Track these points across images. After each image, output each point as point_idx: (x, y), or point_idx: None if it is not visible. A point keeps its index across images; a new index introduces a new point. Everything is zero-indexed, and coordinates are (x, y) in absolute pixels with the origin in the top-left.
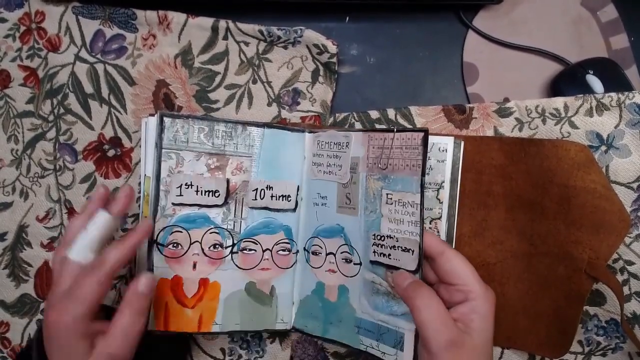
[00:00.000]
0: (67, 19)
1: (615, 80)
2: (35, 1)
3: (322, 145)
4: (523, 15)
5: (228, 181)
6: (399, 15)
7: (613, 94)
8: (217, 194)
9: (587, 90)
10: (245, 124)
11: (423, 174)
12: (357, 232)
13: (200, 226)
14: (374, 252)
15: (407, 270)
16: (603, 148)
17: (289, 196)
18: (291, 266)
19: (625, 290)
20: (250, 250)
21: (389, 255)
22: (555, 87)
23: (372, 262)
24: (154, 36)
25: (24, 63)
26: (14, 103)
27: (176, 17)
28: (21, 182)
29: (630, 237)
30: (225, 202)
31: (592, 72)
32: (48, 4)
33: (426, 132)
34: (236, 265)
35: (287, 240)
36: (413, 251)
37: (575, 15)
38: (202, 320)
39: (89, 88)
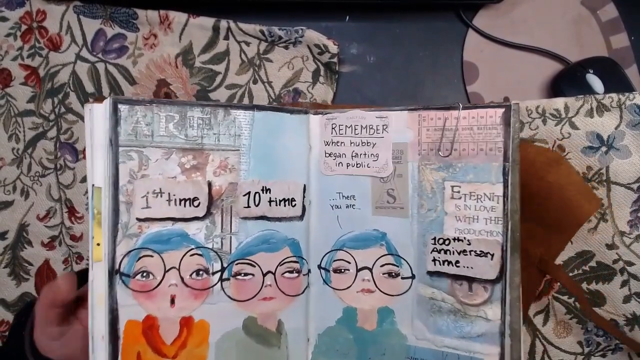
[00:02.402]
0: (69, 18)
1: (616, 80)
2: (37, 0)
3: (340, 129)
4: (523, 14)
5: (210, 184)
6: (399, 15)
7: (613, 95)
8: (196, 203)
9: (588, 89)
10: (228, 106)
11: (506, 159)
12: (406, 237)
13: (177, 247)
14: (434, 260)
15: (485, 280)
16: (603, 149)
17: (292, 200)
18: (302, 292)
19: (625, 291)
20: (246, 275)
21: (457, 262)
22: (556, 87)
23: (431, 274)
24: (155, 36)
25: (25, 62)
26: (15, 102)
27: (177, 17)
28: (22, 181)
29: (630, 238)
30: (208, 213)
31: (592, 72)
32: (49, 3)
33: (508, 108)
34: (228, 297)
35: (294, 259)
36: (493, 255)
37: (575, 15)
38: None
39: (89, 87)
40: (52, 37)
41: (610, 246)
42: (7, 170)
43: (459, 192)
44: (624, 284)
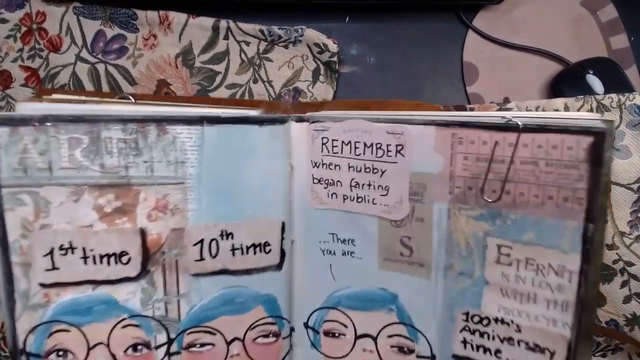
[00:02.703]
0: (68, 19)
1: (616, 80)
2: (36, 2)
3: (334, 146)
4: (523, 15)
5: (144, 233)
6: (399, 15)
7: (613, 95)
8: (124, 259)
9: (587, 90)
10: (163, 121)
11: (591, 218)
12: (427, 305)
13: (103, 318)
14: (465, 342)
15: None
16: None
17: (266, 244)
18: (283, 358)
19: (625, 291)
20: (202, 345)
21: (497, 352)
22: (555, 87)
23: (458, 358)
24: (155, 36)
25: (25, 63)
26: (16, 103)
27: (177, 17)
28: None
29: (630, 239)
30: (144, 272)
31: (592, 72)
32: (49, 5)
33: (600, 136)
34: None
35: (270, 319)
36: (553, 354)
37: (575, 15)
38: None
39: (90, 88)
40: (52, 39)
41: (610, 246)
42: None
43: (508, 255)
44: (624, 284)
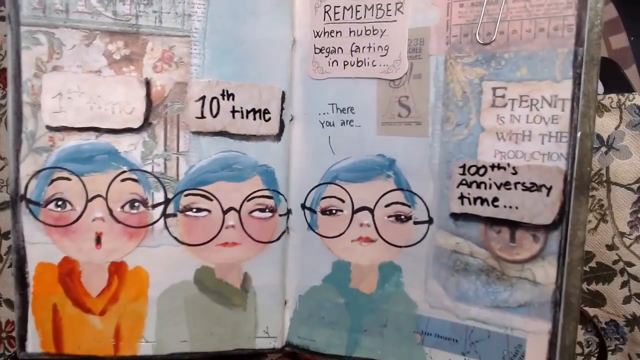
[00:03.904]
0: None
1: (615, 80)
2: None
3: (336, 13)
4: None
5: (148, 83)
6: None
7: (613, 95)
8: (129, 109)
9: None
10: None
11: (580, 42)
12: (423, 165)
13: (103, 168)
14: (462, 197)
15: (536, 227)
16: (603, 149)
17: (266, 112)
18: (277, 238)
19: (625, 291)
20: (199, 210)
21: (495, 200)
22: None
23: (457, 217)
24: None
25: None
26: None
27: None
28: None
29: (630, 239)
30: (147, 124)
31: None
32: None
33: None
34: (175, 238)
35: (267, 193)
36: (550, 189)
37: None
38: (121, 336)
39: None
40: None
41: (610, 247)
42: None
43: (503, 96)
44: (624, 284)
